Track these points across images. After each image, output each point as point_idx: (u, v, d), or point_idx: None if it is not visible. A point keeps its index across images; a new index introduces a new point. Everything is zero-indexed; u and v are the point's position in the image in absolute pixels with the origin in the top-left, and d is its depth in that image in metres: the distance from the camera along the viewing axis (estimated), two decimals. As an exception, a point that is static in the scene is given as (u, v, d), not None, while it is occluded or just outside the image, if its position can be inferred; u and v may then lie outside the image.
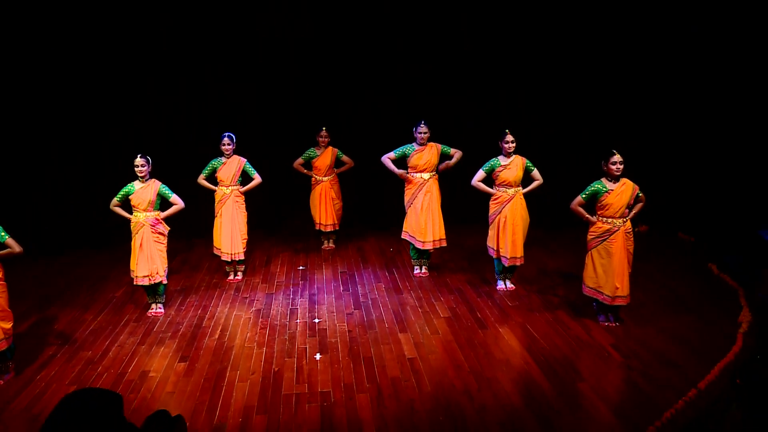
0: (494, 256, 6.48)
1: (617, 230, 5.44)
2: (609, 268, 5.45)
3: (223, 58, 8.57)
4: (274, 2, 8.55)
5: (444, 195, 7.00)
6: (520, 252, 6.31)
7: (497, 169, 6.27)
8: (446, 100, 8.67)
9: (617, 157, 5.38)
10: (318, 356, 5.16)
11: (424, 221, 6.79)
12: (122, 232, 6.49)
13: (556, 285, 6.67)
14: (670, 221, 8.46)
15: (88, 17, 7.92)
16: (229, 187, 6.91)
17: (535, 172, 6.32)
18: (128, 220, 6.02)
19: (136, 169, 5.88)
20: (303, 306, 6.32)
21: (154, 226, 5.95)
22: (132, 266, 6.00)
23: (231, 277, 7.17)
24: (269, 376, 4.86)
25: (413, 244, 6.98)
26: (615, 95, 8.48)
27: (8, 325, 4.79)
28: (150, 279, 5.95)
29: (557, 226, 8.26)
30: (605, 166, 5.43)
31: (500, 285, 6.58)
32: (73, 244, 8.35)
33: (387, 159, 6.87)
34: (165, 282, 6.11)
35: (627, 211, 5.48)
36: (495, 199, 6.36)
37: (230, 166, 6.87)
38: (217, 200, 6.97)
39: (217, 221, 6.98)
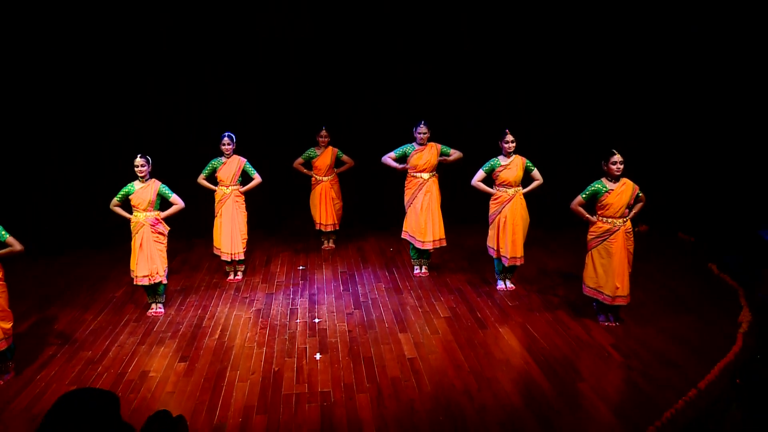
0: (494, 256, 6.48)
1: (617, 230, 5.44)
2: (609, 268, 5.45)
3: (223, 58, 8.57)
4: (274, 2, 8.55)
5: (444, 195, 7.00)
6: (520, 252, 6.31)
7: (497, 169, 6.27)
8: (446, 100, 8.67)
9: (617, 157, 5.38)
10: (318, 356, 5.16)
11: (423, 221, 6.79)
12: (122, 232, 6.49)
13: (556, 285, 6.67)
14: (670, 221, 8.46)
15: (88, 17, 7.92)
16: (229, 187, 6.91)
17: (535, 172, 6.32)
18: (128, 220, 6.02)
19: (136, 169, 5.88)
20: (303, 306, 6.32)
21: (154, 225, 5.95)
22: (132, 266, 6.00)
23: (231, 277, 7.17)
24: (269, 376, 4.86)
25: (413, 244, 6.98)
26: (615, 95, 8.48)
27: (8, 325, 4.79)
28: (150, 279, 5.95)
29: (557, 226, 8.26)
30: (605, 165, 5.43)
31: (500, 285, 6.58)
32: (73, 244, 8.35)
33: (388, 158, 6.88)
34: (165, 282, 6.11)
35: (627, 211, 5.48)
36: (495, 199, 6.36)
37: (230, 166, 6.87)
38: (217, 200, 6.97)
39: (217, 221, 6.98)
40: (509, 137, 6.22)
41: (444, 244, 6.94)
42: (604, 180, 5.48)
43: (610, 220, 5.47)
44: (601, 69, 8.44)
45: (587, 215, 5.57)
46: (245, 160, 6.93)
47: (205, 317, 6.08)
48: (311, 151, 7.87)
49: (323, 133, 7.79)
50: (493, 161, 6.31)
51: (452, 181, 7.69)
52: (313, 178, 7.98)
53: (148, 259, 5.93)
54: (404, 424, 4.15)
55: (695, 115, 8.24)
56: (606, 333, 5.45)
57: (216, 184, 6.98)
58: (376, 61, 8.73)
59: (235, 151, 6.91)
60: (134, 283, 6.04)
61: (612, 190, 5.43)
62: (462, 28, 8.67)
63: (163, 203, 6.07)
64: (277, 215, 9.28)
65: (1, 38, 7.68)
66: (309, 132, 7.91)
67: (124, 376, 4.93)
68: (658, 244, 7.97)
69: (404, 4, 8.60)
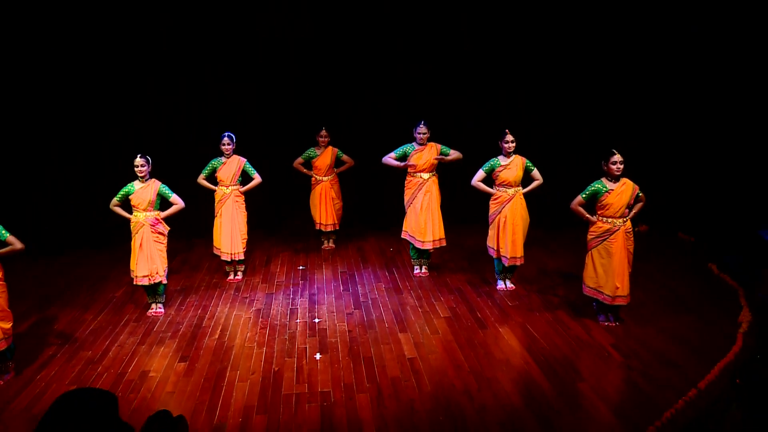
0: (494, 256, 6.48)
1: (617, 230, 5.44)
2: (609, 268, 5.45)
3: (223, 58, 8.57)
4: (274, 2, 8.55)
5: (444, 195, 7.00)
6: (520, 252, 6.31)
7: (497, 169, 6.27)
8: (446, 100, 8.67)
9: (617, 157, 5.38)
10: (318, 356, 5.16)
11: (423, 221, 6.79)
12: (122, 232, 6.49)
13: (556, 285, 6.67)
14: (670, 221, 8.46)
15: (88, 17, 7.92)
16: (229, 187, 6.91)
17: (535, 172, 6.32)
18: (128, 220, 6.02)
19: (135, 169, 5.88)
20: (303, 306, 6.32)
21: (154, 225, 5.95)
22: (132, 266, 6.00)
23: (231, 276, 7.17)
24: (269, 375, 4.86)
25: (413, 244, 6.98)
26: (615, 95, 8.48)
27: (8, 325, 4.79)
28: (150, 279, 5.95)
29: (557, 226, 8.26)
30: (605, 165, 5.44)
31: (500, 285, 6.58)
32: (73, 244, 8.35)
33: (388, 158, 6.87)
34: (165, 282, 6.11)
35: (627, 210, 5.48)
36: (495, 199, 6.36)
37: (230, 166, 6.87)
38: (217, 200, 6.97)
39: (217, 221, 6.98)
40: (509, 137, 6.22)
41: (444, 244, 6.94)
42: (604, 180, 5.48)
43: (610, 220, 5.47)
44: (601, 69, 8.44)
45: (587, 215, 5.57)
46: (245, 160, 6.93)
47: (205, 317, 6.08)
48: (311, 151, 7.87)
49: (323, 133, 7.79)
50: (493, 161, 6.31)
51: (452, 181, 7.69)
52: (313, 178, 7.98)
53: (148, 259, 5.93)
54: (404, 424, 4.15)
55: (695, 115, 8.24)
56: (606, 333, 5.45)
57: (216, 184, 6.98)
58: (376, 61, 8.73)
59: (235, 151, 6.91)
60: (134, 283, 6.04)
61: (612, 190, 5.43)
62: (462, 28, 8.67)
63: (163, 203, 6.07)
64: (277, 215, 9.28)
65: (1, 38, 7.67)
66: (309, 132, 7.91)
67: (124, 376, 4.93)
68: (658, 244, 7.97)
69: (404, 4, 8.60)
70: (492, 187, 6.39)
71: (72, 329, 5.87)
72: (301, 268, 7.54)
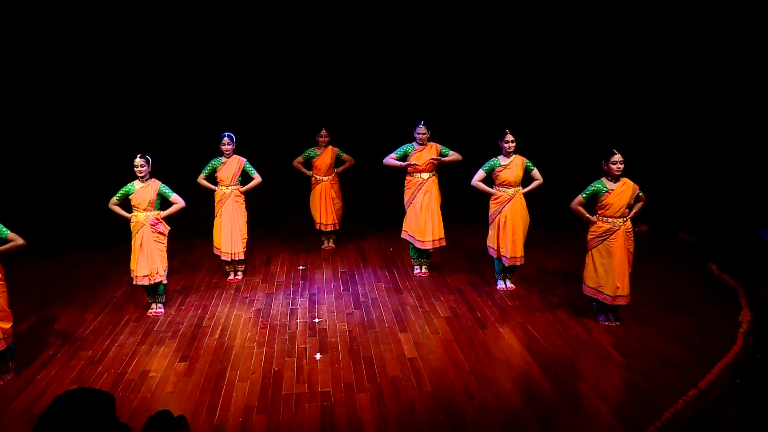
0: (494, 256, 6.48)
1: (617, 230, 5.44)
2: (609, 268, 5.45)
3: (223, 58, 8.57)
4: (274, 2, 8.55)
5: (444, 195, 7.00)
6: (520, 252, 6.32)
7: (497, 169, 6.27)
8: (446, 100, 8.67)
9: (618, 157, 5.38)
10: (318, 356, 5.16)
11: (423, 221, 6.79)
12: (122, 232, 6.49)
13: (556, 285, 6.68)
14: (670, 221, 8.46)
15: (88, 17, 7.92)
16: (229, 187, 6.91)
17: (535, 172, 6.32)
18: (128, 220, 6.02)
19: (135, 169, 5.88)
20: (303, 306, 6.32)
21: (154, 225, 5.95)
22: (132, 266, 5.99)
23: (231, 276, 7.17)
24: (269, 375, 4.87)
25: (413, 244, 6.98)
26: (615, 95, 8.48)
27: (8, 325, 4.79)
28: (150, 279, 5.95)
29: (557, 226, 8.26)
30: (605, 165, 5.44)
31: (500, 285, 6.58)
32: (73, 244, 8.35)
33: (389, 159, 6.86)
34: (165, 282, 6.11)
35: (627, 210, 5.48)
36: (495, 199, 6.36)
37: (230, 166, 6.87)
38: (217, 200, 6.98)
39: (217, 221, 6.98)
40: (509, 137, 6.22)
41: (443, 243, 6.94)
42: (604, 180, 5.49)
43: (610, 219, 5.47)
44: (601, 69, 8.44)
45: (587, 215, 5.57)
46: (245, 159, 6.93)
47: (205, 317, 6.08)
48: (311, 151, 7.87)
49: (323, 133, 7.79)
50: (493, 161, 6.31)
51: (452, 181, 7.69)
52: (313, 178, 7.98)
53: (148, 258, 5.93)
54: (404, 423, 4.15)
55: (695, 115, 8.24)
56: (606, 333, 5.45)
57: (216, 183, 6.98)
58: (376, 61, 8.73)
59: (235, 151, 6.91)
60: (134, 282, 6.04)
61: (612, 190, 5.43)
62: (462, 28, 8.67)
63: (163, 203, 6.07)
64: (277, 215, 9.27)
65: (1, 38, 7.67)
66: (309, 132, 7.91)
67: (124, 376, 4.93)
68: (658, 244, 7.97)
69: (404, 4, 8.60)
70: (492, 187, 6.40)
71: (72, 329, 5.87)
72: (301, 268, 7.54)
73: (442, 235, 6.92)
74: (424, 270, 7.11)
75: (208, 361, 5.13)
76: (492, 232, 6.42)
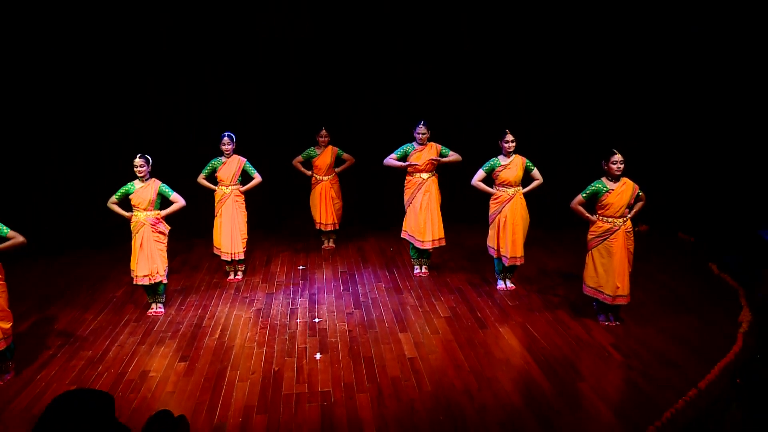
0: (494, 256, 6.48)
1: (618, 230, 5.44)
2: (610, 268, 5.45)
3: (223, 58, 8.57)
4: (274, 2, 8.55)
5: (444, 195, 7.00)
6: (520, 252, 6.32)
7: (497, 169, 6.27)
8: (446, 100, 8.67)
9: (618, 157, 5.38)
10: (318, 356, 5.16)
11: (423, 221, 6.79)
12: (122, 232, 6.49)
13: (556, 285, 6.68)
14: (670, 221, 8.46)
15: (88, 17, 7.92)
16: (229, 187, 6.91)
17: (535, 172, 6.32)
18: (128, 220, 6.01)
19: (135, 169, 5.88)
20: (303, 306, 6.32)
21: (154, 225, 5.96)
22: (132, 266, 5.99)
23: (231, 276, 7.17)
24: (269, 375, 4.87)
25: (413, 244, 6.98)
26: (615, 95, 8.48)
27: (8, 325, 4.79)
28: (150, 278, 5.95)
29: (557, 226, 8.26)
30: (606, 165, 5.44)
31: (500, 285, 6.58)
32: (73, 244, 8.35)
33: (390, 160, 6.85)
34: (165, 281, 6.11)
35: (627, 210, 5.49)
36: (495, 199, 6.36)
37: (230, 166, 6.87)
38: (217, 200, 6.98)
39: (217, 221, 6.99)
40: (509, 137, 6.22)
41: (443, 243, 6.94)
42: (604, 180, 5.49)
43: (610, 219, 5.47)
44: (601, 69, 8.44)
45: (587, 214, 5.57)
46: (245, 159, 6.93)
47: (206, 317, 6.08)
48: (311, 151, 7.87)
49: (323, 133, 7.79)
50: (493, 161, 6.31)
51: (452, 181, 7.69)
52: (313, 178, 7.98)
53: (149, 258, 5.93)
54: (404, 423, 4.15)
55: (695, 115, 8.24)
56: (606, 333, 5.45)
57: (216, 183, 6.98)
58: (376, 61, 8.73)
59: (235, 151, 6.91)
60: (134, 282, 6.04)
61: (612, 189, 5.43)
62: (462, 28, 8.67)
63: (163, 202, 6.07)
64: (277, 215, 9.28)
65: (1, 38, 7.67)
66: (309, 132, 7.91)
67: (124, 375, 4.93)
68: (658, 244, 7.97)
69: (404, 4, 8.60)
70: (492, 187, 6.40)
71: (72, 329, 5.87)
72: (301, 267, 7.54)
73: (442, 235, 6.92)
74: (424, 270, 7.11)
75: (208, 361, 5.13)
76: (492, 232, 6.42)
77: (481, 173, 6.35)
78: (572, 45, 8.45)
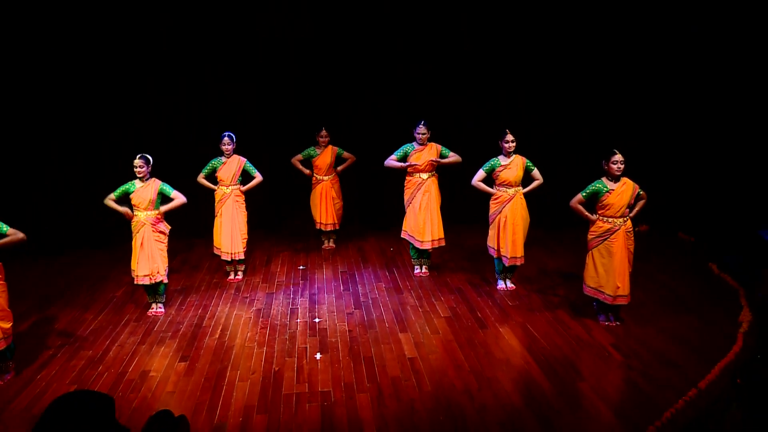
0: (495, 256, 6.48)
1: (618, 229, 5.44)
2: (610, 268, 5.45)
3: (223, 58, 8.57)
4: (274, 2, 8.55)
5: (444, 195, 7.00)
6: (520, 252, 6.32)
7: (497, 169, 6.27)
8: (446, 100, 8.67)
9: (618, 157, 5.38)
10: (318, 356, 5.16)
11: (422, 221, 6.79)
12: (122, 232, 6.49)
13: (556, 285, 6.68)
14: (670, 221, 8.46)
15: (88, 17, 7.92)
16: (230, 187, 6.91)
17: (536, 172, 6.32)
18: (123, 215, 5.95)
19: (135, 169, 5.88)
20: (303, 305, 6.32)
21: (155, 225, 5.96)
22: (133, 265, 5.99)
23: (231, 276, 7.17)
24: (269, 375, 4.87)
25: (413, 244, 6.98)
26: (615, 95, 8.48)
27: (8, 325, 4.79)
28: (150, 278, 5.95)
29: (557, 226, 8.26)
30: (606, 165, 5.44)
31: (500, 285, 6.58)
32: (73, 244, 8.34)
33: (390, 161, 6.85)
34: (165, 281, 6.11)
35: (628, 210, 5.49)
36: (495, 199, 6.36)
37: (230, 166, 6.87)
38: (217, 200, 6.98)
39: (217, 221, 6.99)
40: (509, 137, 6.22)
41: (443, 244, 6.94)
42: (604, 180, 5.49)
43: (610, 219, 5.47)
44: (601, 69, 8.44)
45: (586, 213, 5.57)
46: (245, 159, 6.93)
47: (206, 317, 6.08)
48: (311, 150, 7.87)
49: (323, 133, 7.79)
50: (493, 161, 6.31)
51: (452, 181, 7.69)
52: (314, 178, 7.98)
53: (149, 258, 5.93)
54: (404, 423, 4.15)
55: (695, 115, 8.25)
56: (606, 333, 5.45)
57: (215, 183, 6.98)
58: (376, 61, 8.73)
59: (236, 151, 6.91)
60: (135, 282, 6.04)
61: (613, 190, 5.43)
62: (462, 28, 8.67)
63: (164, 201, 6.07)
64: (277, 215, 9.27)
65: (1, 38, 7.67)
66: (309, 132, 7.91)
67: (124, 375, 4.93)
68: (658, 244, 7.97)
69: (404, 4, 8.60)
70: (492, 187, 6.40)
71: (72, 329, 5.87)
72: (301, 267, 7.54)
73: (442, 235, 6.91)
74: (424, 270, 7.11)
75: (208, 361, 5.13)
76: (492, 232, 6.42)
77: (481, 173, 6.35)
78: (572, 45, 8.45)
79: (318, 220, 8.06)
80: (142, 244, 5.91)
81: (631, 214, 5.52)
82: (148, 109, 8.45)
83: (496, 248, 6.41)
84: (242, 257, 7.08)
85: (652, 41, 8.27)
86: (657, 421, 4.01)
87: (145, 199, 5.90)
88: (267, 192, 8.19)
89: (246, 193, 7.04)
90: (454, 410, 4.28)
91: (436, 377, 4.75)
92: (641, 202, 5.55)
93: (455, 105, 8.73)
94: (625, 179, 5.47)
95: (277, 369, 4.97)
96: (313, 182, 7.99)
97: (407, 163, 6.76)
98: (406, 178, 6.93)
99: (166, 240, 6.05)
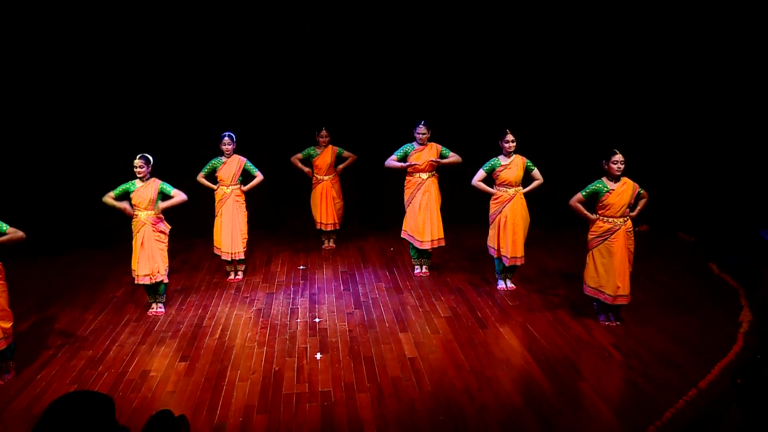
0: (495, 256, 6.48)
1: (618, 229, 5.44)
2: (610, 268, 5.45)
3: (223, 58, 8.57)
4: (274, 2, 8.55)
5: (444, 195, 7.00)
6: (520, 252, 6.32)
7: (497, 169, 6.27)
8: (446, 100, 8.67)
9: (619, 157, 5.39)
10: (318, 356, 5.16)
11: (422, 221, 6.79)
12: (122, 231, 6.49)
13: (556, 285, 6.68)
14: (670, 221, 8.46)
15: (88, 17, 7.92)
16: (230, 187, 6.91)
17: (536, 172, 6.32)
18: (121, 211, 5.94)
19: (135, 169, 5.88)
20: (303, 305, 6.32)
21: (155, 224, 5.96)
22: (133, 265, 5.99)
23: (231, 276, 7.17)
24: (270, 375, 4.87)
25: (413, 244, 6.99)
26: (615, 95, 8.48)
27: (8, 325, 4.79)
28: (151, 278, 5.95)
29: (557, 226, 8.26)
30: (606, 165, 5.44)
31: (501, 285, 6.58)
32: (73, 244, 8.34)
33: (391, 161, 6.85)
34: (166, 281, 6.11)
35: (628, 210, 5.49)
36: (495, 199, 6.36)
37: (230, 166, 6.87)
38: (217, 200, 6.98)
39: (217, 221, 6.99)
40: (509, 137, 6.22)
41: (442, 244, 6.94)
42: (604, 179, 5.49)
43: (611, 219, 5.47)
44: (601, 69, 8.44)
45: (585, 212, 5.57)
46: (245, 159, 6.93)
47: (206, 317, 6.08)
48: (311, 150, 7.87)
49: (323, 133, 7.79)
50: (493, 161, 6.31)
51: (452, 181, 7.69)
52: (314, 178, 7.98)
53: (150, 257, 5.93)
54: (405, 423, 4.15)
55: (695, 115, 8.25)
56: (606, 333, 5.45)
57: (215, 183, 6.98)
58: (376, 61, 8.73)
59: (236, 151, 6.91)
60: (135, 282, 6.04)
61: (613, 190, 5.43)
62: (462, 28, 8.67)
63: (165, 200, 6.06)
64: (277, 215, 9.27)
65: (1, 38, 7.67)
66: (309, 132, 7.91)
67: (124, 375, 4.93)
68: (658, 244, 7.97)
69: (404, 4, 8.60)
70: (492, 187, 6.40)
71: (72, 329, 5.87)
72: (301, 267, 7.54)
73: (441, 235, 6.91)
74: (424, 270, 7.11)
75: (208, 361, 5.13)
76: (492, 232, 6.42)
77: (481, 173, 6.35)
78: (572, 45, 8.46)
79: (318, 220, 8.06)
80: (142, 243, 5.91)
81: (633, 214, 5.52)
82: (148, 109, 8.45)
83: (496, 248, 6.41)
84: (242, 257, 7.08)
85: (652, 41, 8.27)
86: (657, 421, 4.01)
87: (146, 198, 5.90)
88: (267, 192, 8.18)
89: (246, 193, 7.04)
90: (455, 410, 4.28)
91: (437, 377, 4.75)
92: (643, 201, 5.55)
93: (455, 105, 8.73)
94: (625, 179, 5.47)
95: (277, 369, 4.97)
96: (314, 182, 7.99)
97: (407, 163, 6.76)
98: (406, 177, 6.93)
99: (166, 240, 6.05)
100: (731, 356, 4.85)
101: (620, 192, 5.43)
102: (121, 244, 7.17)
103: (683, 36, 8.13)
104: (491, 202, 6.41)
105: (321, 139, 7.79)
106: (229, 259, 7.01)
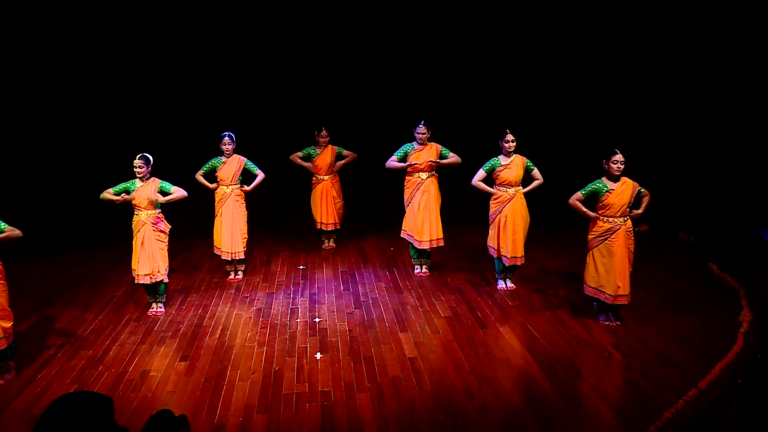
0: (495, 256, 6.48)
1: (618, 229, 5.44)
2: (610, 267, 5.45)
3: (223, 58, 8.57)
4: (274, 2, 8.55)
5: (444, 195, 7.00)
6: (520, 251, 6.32)
7: (498, 169, 6.28)
8: (446, 100, 8.67)
9: (619, 156, 5.38)
10: (318, 355, 5.16)
11: (421, 221, 6.79)
12: (122, 231, 6.49)
13: (556, 284, 6.68)
14: (670, 221, 8.46)
15: (88, 17, 7.92)
16: (230, 187, 6.91)
17: (536, 172, 6.33)
18: (126, 218, 5.97)
19: (135, 169, 5.88)
20: (303, 305, 6.32)
21: (155, 224, 5.96)
22: (133, 265, 5.99)
23: (231, 276, 7.17)
24: (270, 375, 4.87)
25: (412, 244, 6.99)
26: (615, 95, 8.48)
27: (8, 324, 4.80)
28: (151, 278, 5.95)
29: (557, 225, 8.26)
30: (606, 165, 5.44)
31: (501, 284, 6.58)
32: (73, 244, 8.34)
33: (391, 162, 6.85)
34: (166, 281, 6.12)
35: (628, 210, 5.49)
36: (495, 199, 6.36)
37: (230, 166, 6.87)
38: (217, 199, 6.98)
39: (217, 220, 6.99)
40: (509, 137, 6.22)
41: (442, 244, 6.94)
42: (604, 179, 5.49)
43: (611, 219, 5.47)
44: (601, 69, 8.44)
45: (585, 210, 5.56)
46: (245, 159, 6.93)
47: (206, 317, 6.09)
48: (311, 150, 7.87)
49: (323, 133, 7.79)
50: (493, 161, 6.31)
51: (452, 181, 7.69)
52: (314, 178, 7.98)
53: (150, 257, 5.93)
54: (405, 423, 4.15)
55: (695, 115, 8.25)
56: (606, 333, 5.45)
57: (213, 182, 6.98)
58: (376, 61, 8.73)
59: (236, 151, 6.91)
60: (135, 281, 6.04)
61: (613, 189, 5.43)
62: (462, 28, 8.67)
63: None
64: (277, 215, 9.27)
65: (1, 38, 7.67)
66: (309, 132, 7.91)
67: (124, 375, 4.93)
68: (658, 244, 7.97)
69: (404, 4, 8.60)
70: (492, 187, 6.40)
71: (72, 329, 5.87)
72: (301, 267, 7.54)
73: (441, 235, 6.91)
74: (424, 270, 7.11)
75: (208, 361, 5.13)
76: (492, 231, 6.42)
77: (481, 173, 6.35)
78: (572, 45, 8.46)
79: (319, 220, 8.07)
80: (142, 243, 5.91)
81: (639, 212, 5.51)
82: (148, 109, 8.45)
83: (496, 248, 6.41)
84: (242, 257, 7.08)
85: (652, 41, 8.27)
86: (657, 421, 4.01)
87: (146, 198, 5.90)
88: (267, 192, 8.18)
89: (246, 193, 7.03)
90: (455, 410, 4.28)
91: (437, 377, 4.75)
92: (646, 200, 5.54)
93: (455, 105, 8.73)
94: (624, 179, 5.47)
95: (277, 369, 4.97)
96: (314, 182, 8.00)
97: (407, 163, 6.76)
98: (406, 177, 6.93)
99: (166, 239, 6.06)
100: (731, 356, 4.85)
101: (620, 192, 5.43)
102: (121, 244, 7.18)
103: (683, 36, 8.13)
104: (491, 202, 6.41)
105: (321, 139, 7.79)
106: (229, 258, 7.01)
